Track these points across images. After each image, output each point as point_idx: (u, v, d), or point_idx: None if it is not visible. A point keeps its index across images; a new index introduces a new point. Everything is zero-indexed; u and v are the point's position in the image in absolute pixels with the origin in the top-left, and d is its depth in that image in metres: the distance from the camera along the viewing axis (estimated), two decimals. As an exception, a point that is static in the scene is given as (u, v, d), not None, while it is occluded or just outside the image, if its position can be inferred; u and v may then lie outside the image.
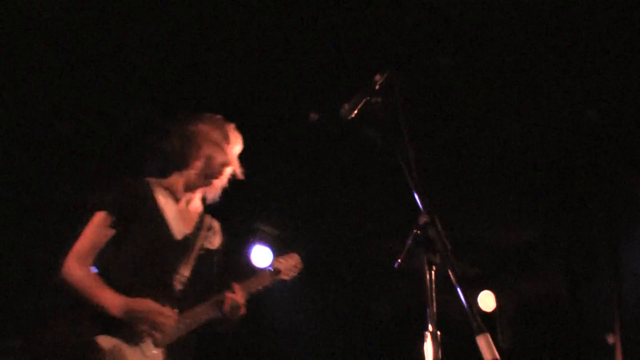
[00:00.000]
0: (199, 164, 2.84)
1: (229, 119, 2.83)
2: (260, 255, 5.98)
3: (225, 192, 3.05)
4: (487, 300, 6.96)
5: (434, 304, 1.88)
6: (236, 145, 2.93)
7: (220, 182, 2.93)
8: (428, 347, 1.85)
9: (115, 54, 4.00)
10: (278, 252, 6.18)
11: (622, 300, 5.40)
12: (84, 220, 2.70)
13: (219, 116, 2.96)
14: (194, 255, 2.85)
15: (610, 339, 5.41)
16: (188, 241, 2.84)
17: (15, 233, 5.05)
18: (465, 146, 4.99)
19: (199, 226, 2.91)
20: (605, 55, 3.98)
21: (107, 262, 2.70)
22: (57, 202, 5.12)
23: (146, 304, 2.59)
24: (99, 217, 2.68)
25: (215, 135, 2.86)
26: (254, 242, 6.01)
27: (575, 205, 5.64)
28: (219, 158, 2.85)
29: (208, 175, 2.87)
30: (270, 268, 3.06)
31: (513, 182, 5.38)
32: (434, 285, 1.89)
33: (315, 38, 3.88)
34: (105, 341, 2.54)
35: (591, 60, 4.02)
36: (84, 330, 2.56)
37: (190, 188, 2.89)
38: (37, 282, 4.78)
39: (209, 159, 2.84)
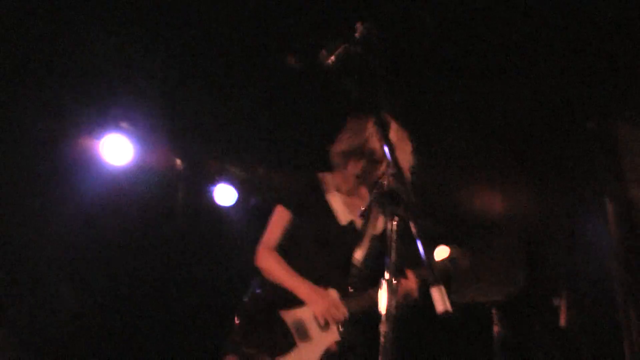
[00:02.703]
0: (358, 164, 3.13)
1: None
2: (224, 195, 5.86)
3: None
4: (442, 255, 7.08)
5: (393, 254, 1.93)
6: (401, 143, 3.09)
7: (380, 175, 3.09)
8: (383, 295, 1.90)
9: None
10: (244, 194, 6.10)
11: (573, 269, 5.60)
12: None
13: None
14: (365, 240, 3.20)
15: (556, 302, 5.66)
16: (354, 226, 3.20)
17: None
18: (435, 108, 4.98)
19: (366, 214, 3.21)
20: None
21: (287, 248, 3.14)
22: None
23: (327, 296, 3.00)
24: (279, 210, 3.16)
25: (373, 136, 3.06)
26: (218, 181, 5.87)
27: (535, 177, 5.73)
28: (377, 158, 3.06)
29: (366, 171, 3.13)
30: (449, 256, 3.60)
31: (486, 149, 5.41)
32: (395, 236, 1.94)
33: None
34: (288, 315, 3.00)
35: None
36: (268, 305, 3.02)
37: (353, 182, 3.19)
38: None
39: (365, 160, 3.10)
